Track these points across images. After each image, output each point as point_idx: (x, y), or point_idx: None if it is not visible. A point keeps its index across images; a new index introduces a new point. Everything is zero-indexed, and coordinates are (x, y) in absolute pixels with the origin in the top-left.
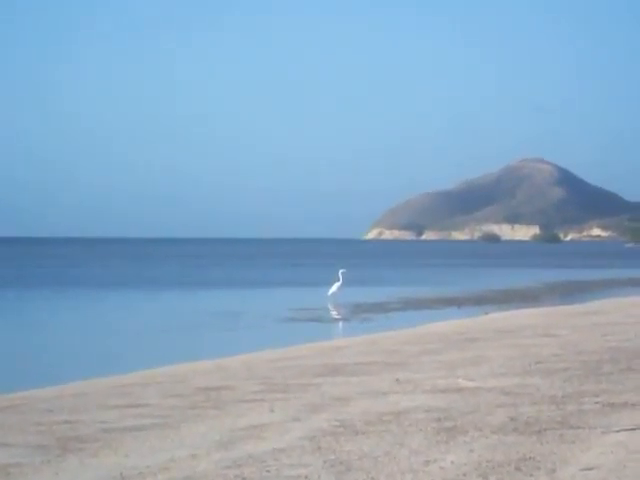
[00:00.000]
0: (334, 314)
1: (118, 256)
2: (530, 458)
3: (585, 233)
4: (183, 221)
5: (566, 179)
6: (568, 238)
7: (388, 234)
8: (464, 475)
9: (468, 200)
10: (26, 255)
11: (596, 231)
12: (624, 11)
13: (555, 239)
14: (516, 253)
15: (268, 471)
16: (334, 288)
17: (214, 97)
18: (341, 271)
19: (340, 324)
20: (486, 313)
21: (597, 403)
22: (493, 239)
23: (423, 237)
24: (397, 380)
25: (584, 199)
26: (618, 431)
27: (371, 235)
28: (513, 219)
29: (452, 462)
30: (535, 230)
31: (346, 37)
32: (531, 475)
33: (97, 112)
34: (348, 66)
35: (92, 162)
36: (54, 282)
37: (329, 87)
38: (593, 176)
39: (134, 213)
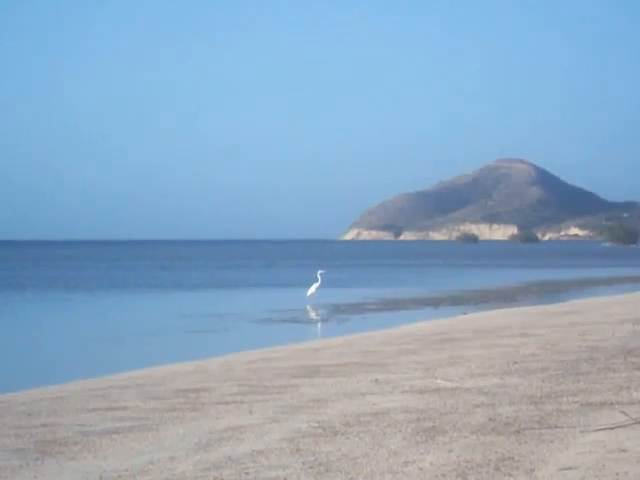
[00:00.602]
0: (312, 315)
1: (97, 259)
2: (509, 458)
3: (563, 233)
4: (154, 223)
5: (544, 179)
6: (546, 238)
7: (366, 235)
8: (443, 476)
9: (446, 200)
10: (7, 258)
11: (574, 230)
12: (602, 10)
13: (533, 239)
14: (494, 253)
15: (247, 473)
16: (312, 289)
17: (194, 96)
18: (319, 272)
19: (318, 325)
20: (464, 313)
21: (575, 402)
22: (471, 239)
23: (401, 238)
24: (375, 381)
25: (562, 199)
26: (596, 430)
27: (349, 236)
28: (491, 219)
29: (431, 463)
30: (513, 230)
31: (326, 37)
32: (510, 475)
33: (94, 111)
34: (327, 66)
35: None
36: (37, 284)
37: (306, 86)
38: (571, 176)
39: (104, 216)
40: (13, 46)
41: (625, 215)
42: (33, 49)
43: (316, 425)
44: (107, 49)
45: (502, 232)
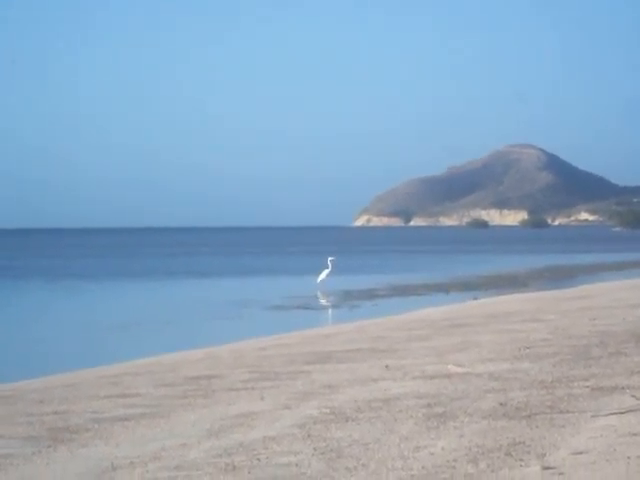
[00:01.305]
0: (323, 301)
1: (108, 247)
2: (520, 443)
3: (573, 217)
4: (168, 209)
5: (554, 164)
6: (556, 223)
7: (376, 221)
8: (454, 461)
9: (456, 186)
10: (16, 245)
11: (584, 215)
12: None
13: (543, 224)
14: (504, 238)
15: (258, 459)
16: (323, 275)
17: (200, 82)
18: (330, 259)
19: (329, 311)
20: (475, 298)
21: (587, 387)
22: (481, 225)
23: (411, 223)
24: (386, 367)
25: (572, 183)
26: (607, 415)
27: (359, 222)
28: (501, 204)
29: (442, 448)
30: (523, 215)
31: (333, 24)
32: (521, 460)
33: (92, 101)
34: (334, 51)
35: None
36: (46, 273)
37: (315, 73)
38: (581, 160)
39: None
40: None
41: (635, 200)
42: (40, 34)
43: (327, 411)
44: (113, 43)
45: (512, 217)
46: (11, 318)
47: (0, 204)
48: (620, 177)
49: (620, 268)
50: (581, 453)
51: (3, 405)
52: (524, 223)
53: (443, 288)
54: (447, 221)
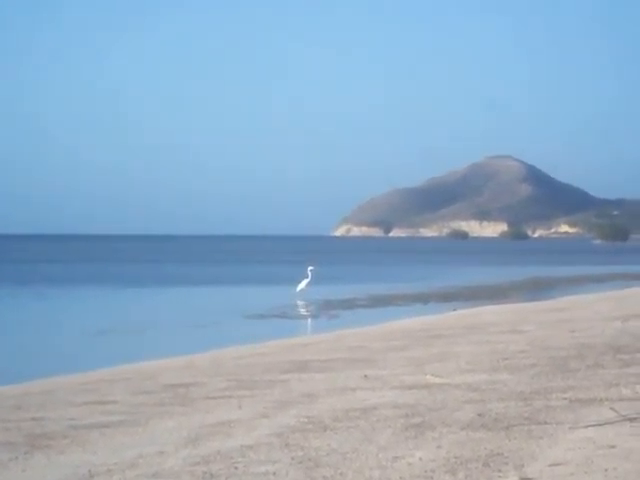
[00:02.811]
0: (302, 311)
1: (88, 252)
2: (498, 454)
3: (553, 230)
4: (140, 219)
5: (534, 176)
6: (536, 235)
7: (356, 231)
8: (432, 471)
9: (435, 197)
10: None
11: (564, 228)
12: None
13: (523, 236)
14: (484, 250)
15: (236, 467)
16: (302, 285)
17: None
18: (309, 268)
19: (308, 321)
20: (453, 309)
21: (565, 399)
22: (461, 236)
23: (391, 234)
24: (365, 376)
25: (552, 196)
26: (586, 427)
27: (339, 232)
28: (481, 216)
29: (420, 458)
30: (503, 227)
31: (310, 33)
32: (499, 471)
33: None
34: (313, 59)
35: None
36: (16, 278)
37: (294, 80)
38: (560, 173)
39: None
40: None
41: (615, 212)
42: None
43: (305, 420)
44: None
45: (492, 229)
46: None
47: None
48: (599, 190)
49: (600, 280)
50: (559, 465)
51: None
52: (504, 235)
53: (422, 299)
54: (427, 232)
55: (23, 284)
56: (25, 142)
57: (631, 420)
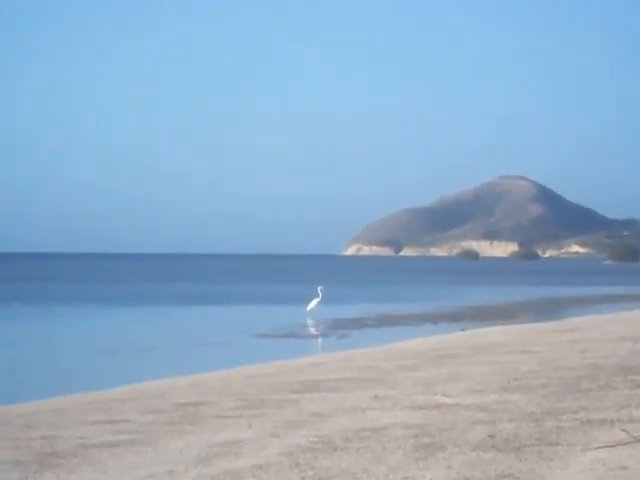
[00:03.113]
0: (312, 330)
1: (94, 271)
2: (509, 475)
3: (564, 250)
4: (153, 237)
5: (544, 196)
6: (547, 255)
7: (366, 250)
8: None
9: (446, 217)
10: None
11: (574, 248)
12: (596, 19)
13: (534, 256)
14: (494, 270)
15: None
16: (313, 304)
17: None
18: (320, 287)
19: (318, 340)
20: (463, 329)
21: (576, 420)
22: (472, 256)
23: (401, 253)
24: (375, 396)
25: (563, 216)
26: (597, 448)
27: (349, 251)
28: (491, 236)
29: (430, 479)
30: (514, 247)
31: (320, 49)
32: None
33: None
34: (325, 78)
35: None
36: (27, 297)
37: (305, 101)
38: (571, 193)
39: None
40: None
41: (625, 233)
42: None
43: (315, 440)
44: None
45: (503, 249)
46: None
47: None
48: (610, 210)
49: (610, 301)
50: None
51: None
52: (514, 255)
53: (432, 318)
54: (437, 251)
55: (32, 303)
56: (26, 163)
57: None
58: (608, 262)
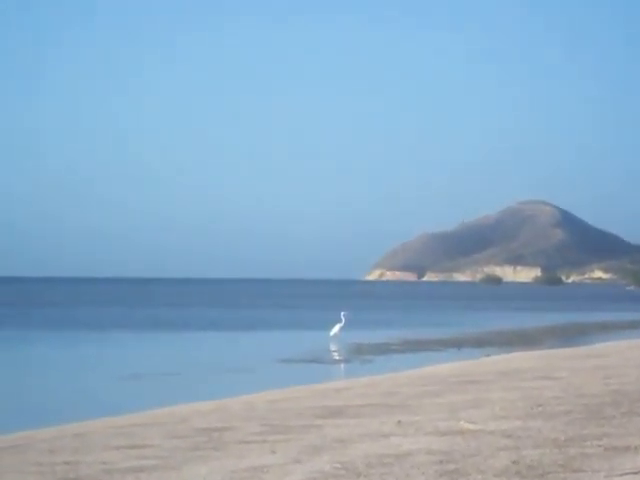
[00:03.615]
0: (335, 355)
1: (112, 296)
2: None
3: (587, 275)
4: (171, 262)
5: (567, 221)
6: (570, 280)
7: (389, 275)
8: None
9: (469, 242)
10: (10, 294)
11: (598, 273)
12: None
13: (557, 281)
14: (518, 295)
15: None
16: (336, 329)
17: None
18: (343, 313)
19: (341, 365)
20: (487, 355)
21: (600, 446)
22: (495, 281)
23: (424, 278)
24: (399, 422)
25: (586, 241)
26: (621, 475)
27: (372, 276)
28: (515, 261)
29: None
30: (537, 272)
31: (334, 75)
32: None
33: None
34: (348, 103)
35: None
36: (50, 322)
37: (327, 126)
38: (594, 218)
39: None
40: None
41: None
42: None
43: (339, 466)
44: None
45: (526, 274)
46: (21, 367)
47: None
48: (633, 235)
49: (634, 327)
50: None
51: (14, 454)
52: (538, 280)
53: (455, 344)
54: (460, 277)
55: (54, 328)
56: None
57: None
58: (631, 288)
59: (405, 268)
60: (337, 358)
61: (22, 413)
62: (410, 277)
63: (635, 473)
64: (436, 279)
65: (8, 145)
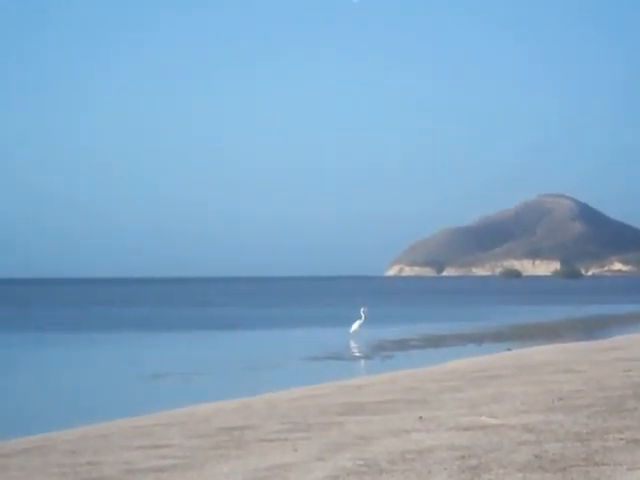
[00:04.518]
0: (356, 352)
1: (134, 296)
2: None
3: (606, 268)
4: (190, 260)
5: (586, 213)
6: (589, 273)
7: (408, 270)
8: None
9: (488, 236)
10: (35, 295)
11: (617, 265)
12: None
13: (576, 274)
14: (537, 289)
15: None
16: (355, 326)
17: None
18: (362, 309)
19: (362, 362)
20: (508, 349)
21: (622, 439)
22: (514, 275)
23: (444, 273)
24: (420, 418)
25: (604, 233)
26: None
27: (392, 272)
28: (534, 254)
29: None
30: (556, 265)
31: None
32: None
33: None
34: (357, 99)
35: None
36: (71, 325)
37: (348, 121)
38: (613, 210)
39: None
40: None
41: None
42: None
43: (361, 463)
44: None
45: (545, 267)
46: (41, 369)
47: None
48: None
49: None
50: None
51: (36, 455)
52: (557, 273)
53: (476, 339)
54: (479, 271)
55: (70, 330)
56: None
57: None
58: None
59: (424, 263)
60: (357, 355)
61: (44, 415)
62: (429, 272)
63: None
64: (455, 274)
65: None
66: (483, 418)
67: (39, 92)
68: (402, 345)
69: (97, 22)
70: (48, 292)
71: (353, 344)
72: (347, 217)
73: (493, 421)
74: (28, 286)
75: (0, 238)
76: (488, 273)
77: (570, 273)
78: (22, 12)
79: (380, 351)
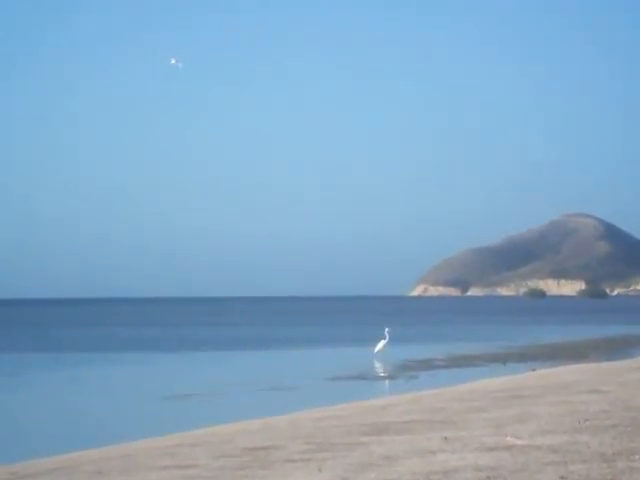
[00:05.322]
0: (380, 372)
1: (152, 317)
2: None
3: (632, 288)
4: (214, 279)
5: (611, 233)
6: (615, 293)
7: (433, 290)
8: None
9: (512, 256)
10: (44, 317)
11: None
12: None
13: (602, 294)
14: (562, 309)
15: None
16: (380, 346)
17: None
18: (387, 329)
19: (386, 382)
20: (533, 369)
21: None
22: (539, 295)
23: (468, 293)
24: (445, 438)
25: (630, 253)
26: None
27: (416, 292)
28: (558, 274)
29: None
30: (581, 285)
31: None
32: None
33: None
34: (391, 118)
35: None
36: (89, 346)
37: (371, 137)
38: (638, 230)
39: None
40: None
41: None
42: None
43: None
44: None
45: (570, 287)
46: (65, 389)
47: None
48: None
49: None
50: None
51: (61, 476)
52: (582, 293)
53: (500, 359)
54: (504, 291)
55: (90, 349)
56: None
57: None
58: None
59: (449, 283)
60: (382, 374)
61: (69, 434)
62: (454, 292)
63: None
64: (480, 294)
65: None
66: (508, 438)
67: None
68: (426, 365)
69: None
70: (60, 313)
71: (377, 364)
72: (371, 237)
73: (518, 441)
74: (39, 307)
75: None
76: (512, 293)
77: (595, 293)
78: None
79: (404, 371)
